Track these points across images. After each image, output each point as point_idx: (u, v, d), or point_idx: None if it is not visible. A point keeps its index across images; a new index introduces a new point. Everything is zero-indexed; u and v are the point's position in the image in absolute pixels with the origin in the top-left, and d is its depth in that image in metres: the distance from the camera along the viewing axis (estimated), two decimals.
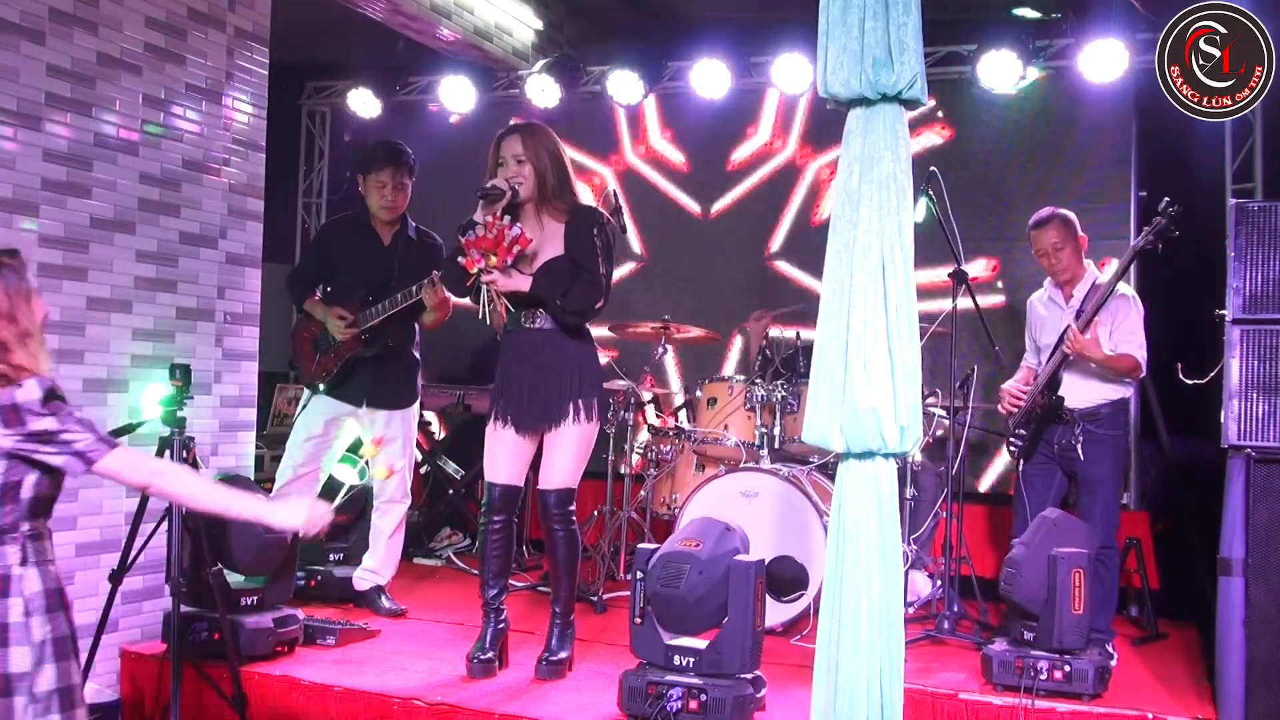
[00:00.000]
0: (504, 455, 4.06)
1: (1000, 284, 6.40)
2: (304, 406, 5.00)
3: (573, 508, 4.03)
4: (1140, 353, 4.54)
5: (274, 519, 2.96)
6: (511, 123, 4.08)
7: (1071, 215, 4.74)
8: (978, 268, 6.35)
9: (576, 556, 4.10)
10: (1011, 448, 4.77)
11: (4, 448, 2.63)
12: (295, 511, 2.96)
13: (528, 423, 4.02)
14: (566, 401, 3.97)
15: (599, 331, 6.72)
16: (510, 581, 5.27)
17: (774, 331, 5.82)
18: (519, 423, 4.03)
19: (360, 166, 5.10)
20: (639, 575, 3.74)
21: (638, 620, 3.72)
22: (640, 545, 3.94)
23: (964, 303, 4.96)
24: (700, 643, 3.66)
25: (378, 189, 4.96)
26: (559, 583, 4.13)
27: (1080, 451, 4.53)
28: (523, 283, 3.88)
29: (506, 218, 3.79)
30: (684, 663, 3.62)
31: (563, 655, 4.12)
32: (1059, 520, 4.19)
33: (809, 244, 6.84)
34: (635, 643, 3.75)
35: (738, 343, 6.92)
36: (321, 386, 4.90)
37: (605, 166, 7.40)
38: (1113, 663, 4.39)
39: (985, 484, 6.40)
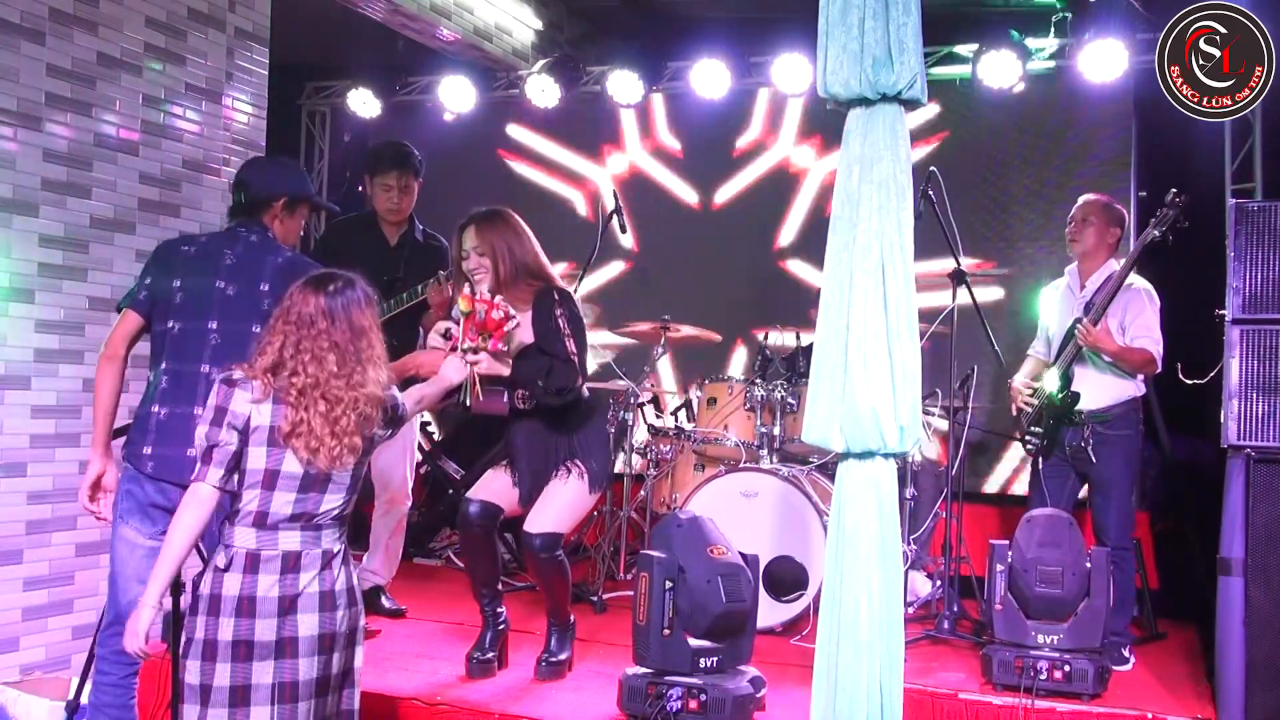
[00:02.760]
0: (494, 486, 4.02)
1: (1000, 287, 6.41)
2: None
3: (559, 552, 3.96)
4: (1155, 347, 4.48)
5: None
6: (470, 212, 3.98)
7: (1120, 211, 4.78)
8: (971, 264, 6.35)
9: (563, 578, 4.04)
10: (1029, 446, 4.73)
11: (381, 439, 3.02)
12: None
13: (525, 492, 4.01)
14: (558, 467, 3.96)
15: (600, 334, 6.78)
16: (510, 582, 5.29)
17: (774, 333, 5.83)
18: (520, 488, 4.01)
19: (366, 168, 5.08)
20: (669, 585, 3.62)
21: (666, 632, 3.61)
22: (644, 551, 3.80)
23: (963, 299, 4.95)
24: (716, 643, 3.65)
25: (384, 192, 4.94)
26: (548, 598, 4.12)
27: (1092, 453, 4.51)
28: (503, 369, 3.78)
29: (499, 298, 3.68)
30: (709, 663, 3.62)
31: (562, 656, 4.12)
32: (1071, 522, 4.19)
33: (810, 243, 6.85)
34: (657, 654, 3.63)
35: (739, 343, 6.94)
36: None
37: (605, 167, 7.41)
38: (1126, 667, 4.39)
39: (993, 485, 6.40)
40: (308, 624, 2.82)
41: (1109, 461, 4.53)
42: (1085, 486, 4.71)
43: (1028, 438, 4.72)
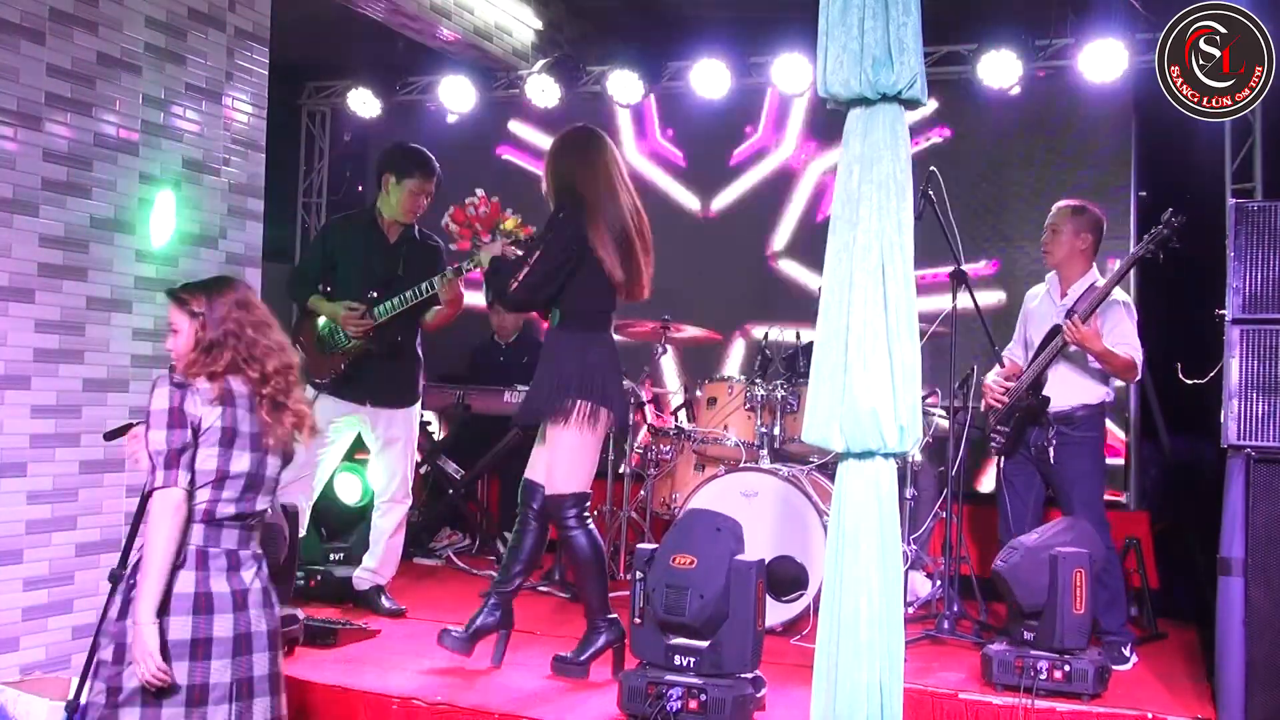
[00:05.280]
0: (532, 452, 4.11)
1: (1001, 287, 6.41)
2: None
3: (574, 511, 3.99)
4: (1137, 354, 4.51)
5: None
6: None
7: (1094, 214, 4.72)
8: (978, 267, 6.35)
9: (592, 558, 4.04)
10: (993, 444, 4.76)
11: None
12: None
13: (522, 419, 4.08)
14: (545, 403, 3.99)
15: None
16: None
17: (774, 332, 5.82)
18: (520, 418, 4.10)
19: (391, 168, 4.96)
20: (639, 575, 3.72)
21: (637, 621, 3.70)
22: (640, 545, 3.92)
23: (964, 301, 4.95)
24: (701, 642, 3.64)
25: (410, 196, 4.92)
26: (580, 587, 4.12)
27: (1052, 454, 4.53)
28: (495, 249, 4.10)
29: (495, 198, 3.99)
30: (685, 662, 3.61)
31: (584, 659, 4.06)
32: (1073, 524, 4.19)
33: (809, 243, 6.85)
34: (634, 643, 3.73)
35: (739, 343, 6.93)
36: (323, 385, 4.88)
37: None
38: (1126, 666, 4.38)
39: (987, 484, 6.40)
40: (258, 619, 2.89)
41: (1069, 463, 4.55)
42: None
43: (994, 435, 4.74)
